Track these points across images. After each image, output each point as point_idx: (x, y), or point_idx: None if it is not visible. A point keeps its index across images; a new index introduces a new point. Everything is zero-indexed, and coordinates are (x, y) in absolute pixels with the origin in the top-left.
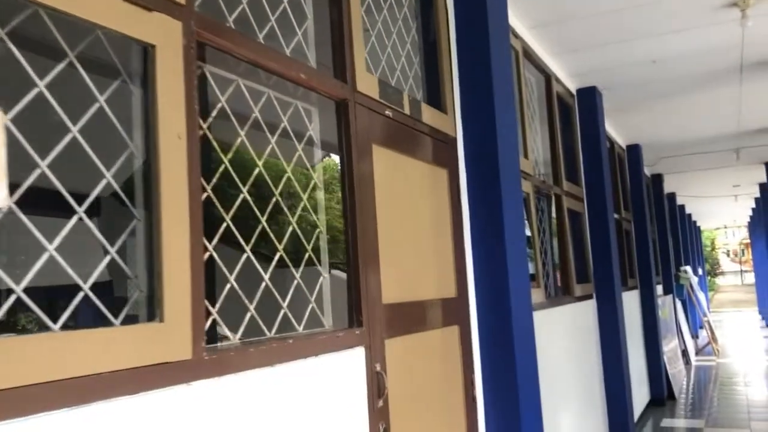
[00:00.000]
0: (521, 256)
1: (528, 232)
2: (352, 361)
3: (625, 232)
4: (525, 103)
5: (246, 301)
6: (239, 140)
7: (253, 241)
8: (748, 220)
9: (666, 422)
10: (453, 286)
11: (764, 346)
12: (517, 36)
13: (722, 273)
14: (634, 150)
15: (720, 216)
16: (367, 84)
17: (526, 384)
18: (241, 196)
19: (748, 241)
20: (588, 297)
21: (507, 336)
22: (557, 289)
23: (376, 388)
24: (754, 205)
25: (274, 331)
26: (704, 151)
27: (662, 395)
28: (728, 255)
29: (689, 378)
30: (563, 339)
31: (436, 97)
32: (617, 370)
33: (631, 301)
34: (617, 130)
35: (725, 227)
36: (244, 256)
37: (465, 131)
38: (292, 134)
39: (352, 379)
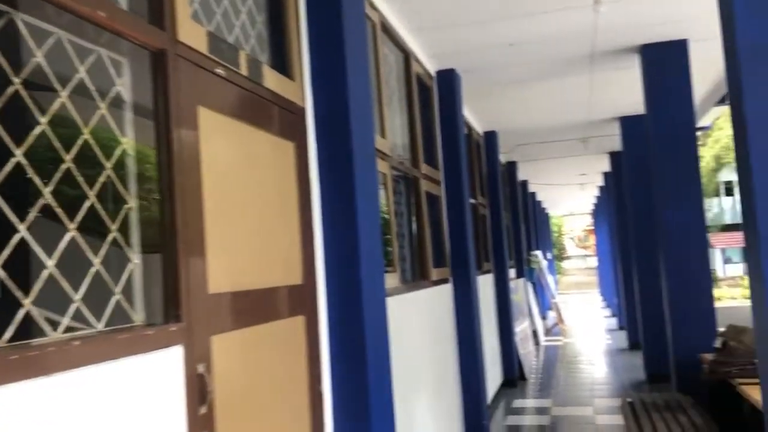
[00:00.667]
0: (375, 239)
1: (385, 215)
2: (166, 363)
3: (481, 217)
4: (383, 80)
5: (18, 293)
6: (12, 91)
7: (32, 217)
8: (592, 207)
9: (517, 403)
10: (299, 272)
11: (605, 326)
12: (374, 7)
13: (568, 257)
14: (490, 137)
15: (567, 203)
16: (192, 34)
17: (377, 375)
18: (15, 160)
19: (592, 227)
20: (444, 281)
21: (358, 326)
22: (414, 273)
23: (198, 393)
24: (598, 194)
25: (61, 329)
26: (555, 140)
27: (514, 376)
28: (573, 241)
29: (539, 358)
30: (419, 324)
31: (281, 62)
32: (472, 353)
33: (485, 285)
34: (475, 116)
35: (571, 214)
36: (18, 235)
37: (315, 101)
38: (93, 89)
39: (164, 385)
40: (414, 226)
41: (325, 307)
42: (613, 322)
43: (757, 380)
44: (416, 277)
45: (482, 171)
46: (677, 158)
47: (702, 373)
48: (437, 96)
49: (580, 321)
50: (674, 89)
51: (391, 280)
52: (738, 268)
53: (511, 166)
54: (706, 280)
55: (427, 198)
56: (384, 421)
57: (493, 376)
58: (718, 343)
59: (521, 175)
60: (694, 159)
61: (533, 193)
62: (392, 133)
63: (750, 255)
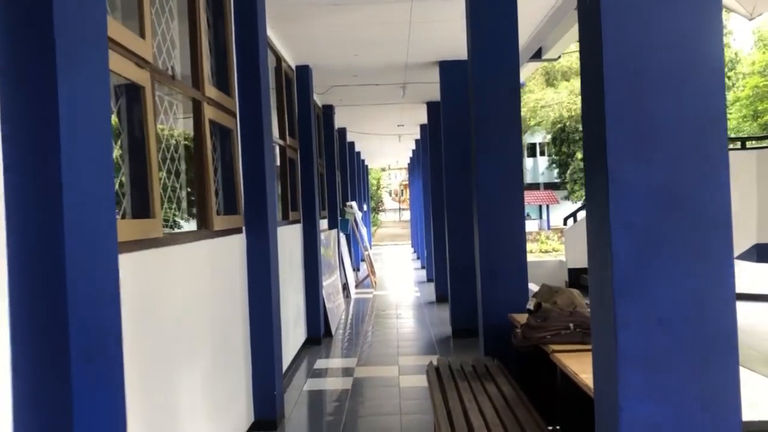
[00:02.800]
0: (99, 170)
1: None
2: None
3: (289, 161)
4: None
5: None
6: None
7: None
8: (408, 161)
9: (320, 363)
10: None
11: (415, 278)
12: None
13: (384, 210)
14: (303, 72)
15: (385, 156)
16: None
17: (85, 363)
18: None
19: (407, 182)
20: (236, 231)
21: (58, 297)
22: (189, 221)
23: None
24: (414, 147)
25: None
26: (374, 83)
27: (319, 334)
28: (390, 195)
29: (348, 312)
30: (192, 284)
31: None
32: (265, 313)
33: (292, 236)
34: (285, 45)
35: (389, 168)
36: None
37: None
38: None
39: None
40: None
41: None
42: (423, 274)
43: (571, 347)
44: (196, 226)
45: (293, 110)
46: (499, 108)
47: (513, 337)
48: (234, 7)
49: (391, 273)
50: (500, 33)
51: (146, 229)
52: (534, 224)
53: (328, 110)
54: (520, 235)
55: (215, 129)
56: (100, 413)
57: (296, 336)
58: (531, 305)
59: (339, 122)
60: (517, 111)
61: (352, 143)
62: (164, 39)
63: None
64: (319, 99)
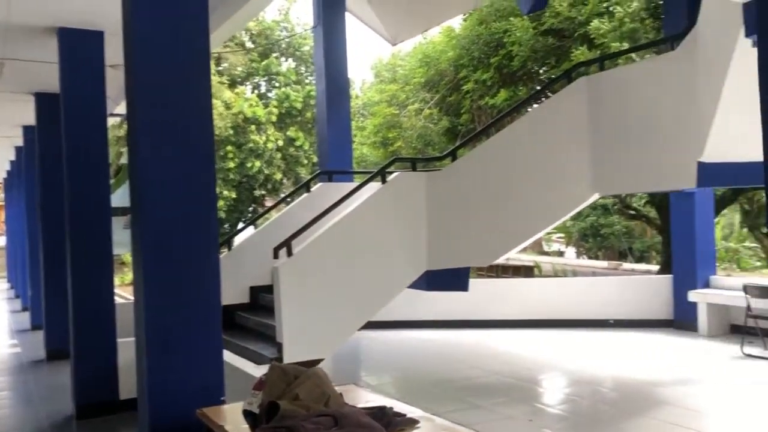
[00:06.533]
0: None
1: None
2: None
3: None
4: None
5: None
6: None
7: None
8: (5, 176)
9: None
10: None
11: (12, 324)
12: None
13: None
14: None
15: None
16: None
17: None
18: None
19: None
20: None
21: None
22: None
23: None
24: (14, 158)
25: None
26: None
27: None
28: None
29: None
30: None
31: None
32: None
33: None
34: None
35: None
36: None
37: None
38: None
39: None
40: None
41: None
42: (26, 318)
43: None
44: None
45: None
46: (89, 140)
47: None
48: None
49: None
50: (90, 76)
51: None
52: None
53: None
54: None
55: None
56: None
57: None
58: (253, 404)
59: None
60: (105, 144)
61: None
62: None
63: None
64: None
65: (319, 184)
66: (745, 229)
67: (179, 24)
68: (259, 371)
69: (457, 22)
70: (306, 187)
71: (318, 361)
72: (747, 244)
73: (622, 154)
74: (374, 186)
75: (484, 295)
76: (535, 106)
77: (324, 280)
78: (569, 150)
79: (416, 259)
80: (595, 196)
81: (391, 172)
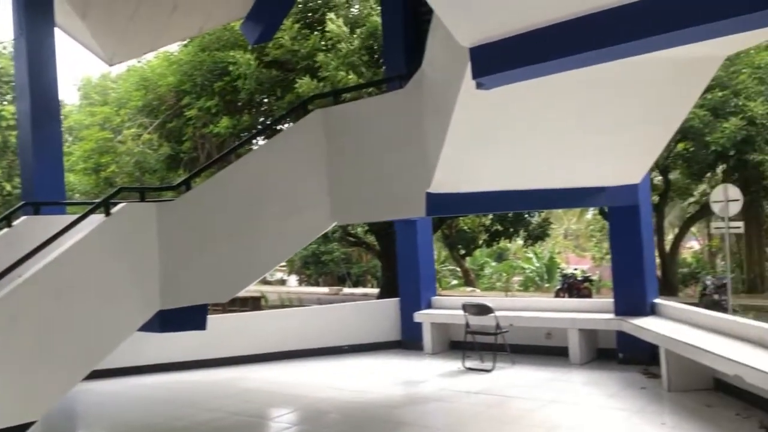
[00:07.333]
0: None
1: None
2: None
3: None
4: None
5: None
6: None
7: None
8: None
9: None
10: None
11: None
12: None
13: None
14: None
15: None
16: None
17: None
18: None
19: None
20: None
21: None
22: None
23: None
24: None
25: None
26: None
27: None
28: None
29: None
30: None
31: None
32: None
33: None
34: None
35: None
36: None
37: None
38: None
39: None
40: None
41: None
42: None
43: None
44: None
45: None
46: None
47: None
48: None
49: None
50: None
51: None
52: None
53: None
54: None
55: None
56: None
57: None
58: None
59: None
60: None
61: None
62: None
63: None
64: None
65: (24, 217)
66: (445, 252)
67: None
68: None
69: (176, 47)
70: (6, 221)
71: (29, 425)
72: (447, 265)
73: (358, 184)
74: (97, 218)
75: (217, 332)
76: (272, 136)
77: (35, 329)
78: (307, 180)
79: (147, 298)
80: (333, 225)
81: (116, 203)
